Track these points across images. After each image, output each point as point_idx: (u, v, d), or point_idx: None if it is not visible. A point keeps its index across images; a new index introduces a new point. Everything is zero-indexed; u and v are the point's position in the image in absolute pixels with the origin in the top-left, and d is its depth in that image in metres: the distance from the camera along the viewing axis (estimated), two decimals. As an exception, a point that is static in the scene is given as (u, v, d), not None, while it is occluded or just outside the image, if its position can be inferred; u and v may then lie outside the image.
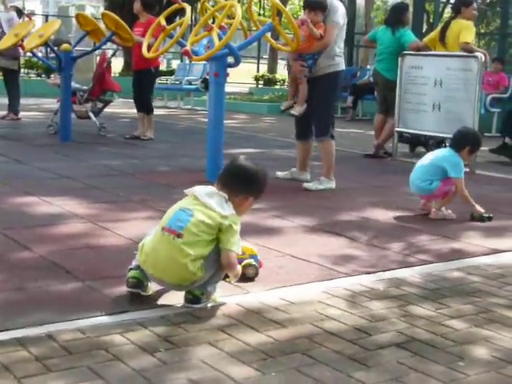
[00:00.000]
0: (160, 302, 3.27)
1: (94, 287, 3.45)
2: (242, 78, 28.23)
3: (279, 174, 7.00)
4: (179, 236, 3.18)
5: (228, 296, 3.36)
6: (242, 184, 3.41)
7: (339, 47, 6.76)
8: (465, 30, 8.49)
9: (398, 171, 7.97)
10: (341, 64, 6.81)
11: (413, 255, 4.30)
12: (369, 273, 3.89)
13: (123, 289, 3.36)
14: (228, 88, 23.90)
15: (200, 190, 3.37)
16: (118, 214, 5.12)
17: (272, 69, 29.99)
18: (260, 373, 2.55)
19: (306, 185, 6.56)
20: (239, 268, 3.38)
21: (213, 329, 2.95)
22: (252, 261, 3.67)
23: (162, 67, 27.93)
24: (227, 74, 6.60)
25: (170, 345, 2.76)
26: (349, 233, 4.80)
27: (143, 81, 9.82)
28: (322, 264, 4.00)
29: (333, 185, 6.55)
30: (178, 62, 27.55)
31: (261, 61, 31.79)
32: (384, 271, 3.94)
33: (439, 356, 2.76)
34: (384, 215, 5.47)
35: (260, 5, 29.96)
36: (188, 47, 6.10)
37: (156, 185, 6.39)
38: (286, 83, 24.66)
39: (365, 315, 3.19)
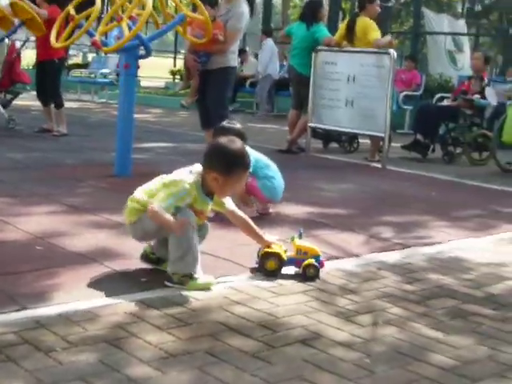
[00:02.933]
0: (60, 299, 3.12)
1: (-8, 284, 3.29)
2: (158, 72, 27.96)
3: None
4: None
5: (132, 293, 3.25)
6: (209, 160, 3.45)
7: (234, 47, 7.06)
8: (371, 29, 8.58)
9: (310, 166, 7.99)
10: (232, 60, 7.16)
11: (323, 250, 4.26)
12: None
13: (22, 285, 3.22)
14: (144, 82, 23.72)
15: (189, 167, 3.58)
16: (21, 208, 4.92)
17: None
18: (160, 372, 2.46)
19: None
20: (157, 214, 3.33)
21: (113, 327, 2.83)
22: (313, 261, 3.66)
23: (78, 60, 27.44)
24: (138, 66, 6.47)
25: (67, 344, 2.64)
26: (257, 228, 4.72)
27: (46, 72, 9.48)
28: (228, 259, 3.93)
29: None
30: (94, 55, 27.08)
31: (178, 55, 31.55)
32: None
33: (345, 354, 2.72)
34: (294, 210, 5.44)
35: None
36: (97, 37, 5.94)
37: (62, 178, 6.19)
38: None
39: (271, 311, 3.12)
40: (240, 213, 3.75)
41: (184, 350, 2.66)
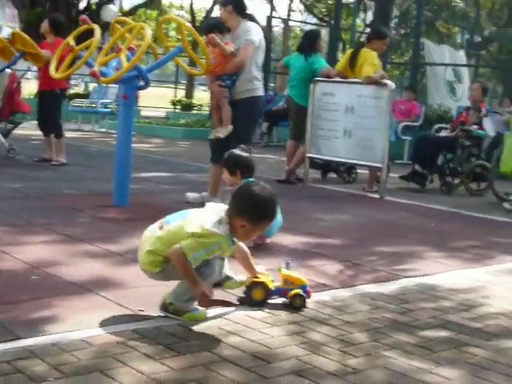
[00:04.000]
0: (53, 329, 3.13)
1: (-15, 313, 3.30)
2: (159, 102, 28.15)
3: (190, 195, 6.85)
4: (161, 228, 3.45)
5: (126, 323, 3.26)
6: (238, 206, 3.35)
7: (257, 70, 6.76)
8: (368, 64, 8.56)
9: (307, 197, 8.02)
10: (259, 89, 6.82)
11: (315, 281, 4.28)
12: (271, 299, 3.84)
13: (17, 314, 3.23)
14: (145, 112, 23.88)
15: (212, 204, 3.57)
16: (18, 237, 4.94)
17: (189, 93, 29.99)
18: (152, 403, 2.47)
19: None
20: (189, 268, 3.27)
21: (106, 357, 2.84)
22: (300, 291, 3.68)
23: (80, 90, 27.58)
24: (137, 97, 6.52)
25: (59, 374, 2.64)
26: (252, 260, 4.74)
27: (48, 103, 9.58)
28: (224, 290, 3.93)
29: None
30: (96, 85, 27.25)
31: (179, 85, 31.79)
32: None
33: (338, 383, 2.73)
34: (290, 240, 5.45)
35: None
36: (96, 68, 5.99)
37: (61, 208, 6.21)
38: (203, 108, 24.65)
39: (264, 342, 3.13)
40: (243, 246, 3.74)
41: (176, 379, 2.67)
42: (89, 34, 6.43)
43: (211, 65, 6.43)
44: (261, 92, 6.88)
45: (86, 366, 2.74)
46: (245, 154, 4.92)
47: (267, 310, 3.60)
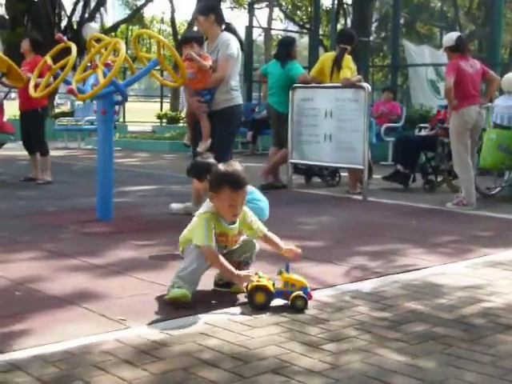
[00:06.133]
0: (35, 341, 3.18)
1: (-32, 330, 3.35)
2: (145, 116, 28.22)
3: (174, 206, 6.92)
4: None
5: (107, 332, 3.32)
6: (209, 185, 3.98)
7: (235, 80, 6.83)
8: (345, 67, 8.72)
9: (291, 201, 8.09)
10: (238, 98, 6.87)
11: (298, 282, 4.34)
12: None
13: (-1, 331, 3.29)
14: (132, 127, 23.91)
15: None
16: (2, 255, 4.97)
17: (175, 107, 30.06)
18: (132, 407, 2.52)
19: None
20: (220, 260, 3.84)
21: (87, 365, 2.89)
22: (301, 293, 3.76)
23: (65, 109, 27.63)
24: (115, 112, 6.59)
25: (41, 385, 2.71)
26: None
27: (30, 122, 9.65)
28: (207, 295, 4.00)
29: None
30: (80, 102, 27.27)
31: (164, 99, 31.86)
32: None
33: (315, 380, 2.79)
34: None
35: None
36: (73, 85, 6.05)
37: (45, 225, 6.26)
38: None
39: (244, 344, 3.19)
40: (271, 235, 4.14)
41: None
42: (67, 52, 6.48)
43: (190, 79, 6.49)
44: (239, 100, 6.92)
45: (68, 375, 2.79)
46: (206, 160, 4.99)
47: (248, 313, 3.66)
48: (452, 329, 3.47)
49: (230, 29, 6.94)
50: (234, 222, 3.98)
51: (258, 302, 3.74)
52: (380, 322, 3.56)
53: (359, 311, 3.76)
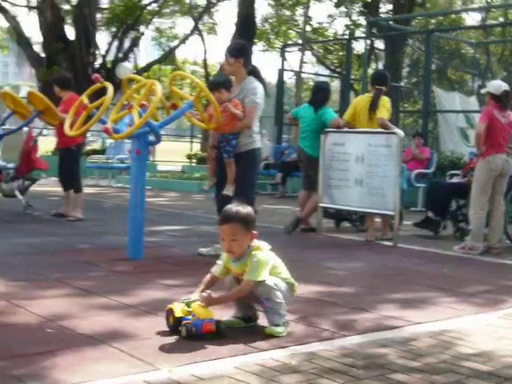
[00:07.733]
0: (65, 380, 3.17)
1: (1, 366, 3.35)
2: (175, 156, 28.41)
3: (202, 250, 6.99)
4: None
5: (136, 373, 3.31)
6: None
7: (256, 125, 6.97)
8: (382, 107, 8.77)
9: (321, 246, 8.07)
10: (257, 141, 7.04)
11: (329, 329, 4.31)
12: (283, 347, 3.88)
13: (29, 367, 3.29)
14: (161, 167, 24.05)
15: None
16: (33, 291, 5.02)
17: (204, 147, 30.26)
18: None
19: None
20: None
21: (117, 407, 2.89)
22: (190, 321, 3.94)
23: (96, 146, 27.90)
24: (149, 152, 6.65)
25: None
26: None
27: (64, 159, 9.85)
28: (235, 339, 3.98)
29: None
30: (112, 141, 27.55)
31: (194, 140, 32.10)
32: (298, 345, 3.93)
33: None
34: (302, 289, 5.47)
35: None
36: (109, 125, 6.13)
37: (75, 262, 6.30)
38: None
39: (274, 389, 3.17)
40: (244, 285, 4.18)
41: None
42: (103, 91, 6.59)
43: (221, 122, 6.60)
44: (259, 144, 7.09)
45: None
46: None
47: (275, 359, 3.64)
48: (485, 381, 3.41)
49: (255, 72, 7.05)
50: (238, 260, 4.20)
51: (170, 322, 4.07)
52: (411, 372, 3.51)
53: (390, 360, 3.71)
